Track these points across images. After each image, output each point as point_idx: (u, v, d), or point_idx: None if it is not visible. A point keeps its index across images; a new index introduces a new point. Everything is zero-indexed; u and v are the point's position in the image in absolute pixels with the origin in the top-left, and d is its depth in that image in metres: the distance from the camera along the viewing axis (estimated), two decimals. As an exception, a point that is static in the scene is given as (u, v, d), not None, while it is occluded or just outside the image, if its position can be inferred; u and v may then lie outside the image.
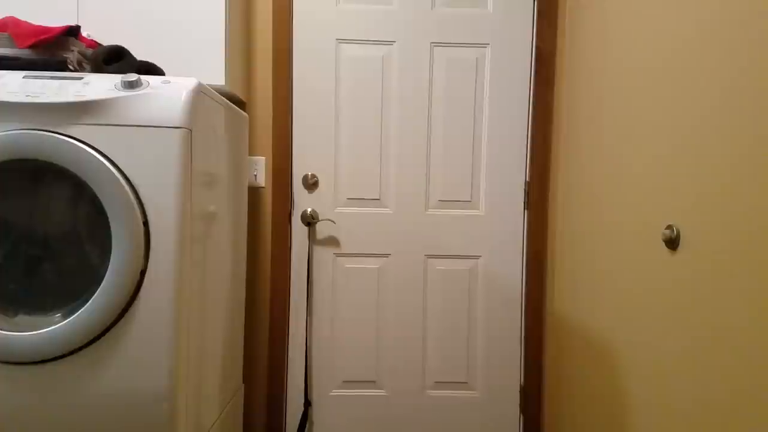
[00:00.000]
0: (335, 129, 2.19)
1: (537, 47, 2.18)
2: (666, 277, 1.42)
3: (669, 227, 1.38)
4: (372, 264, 2.23)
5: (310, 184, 2.19)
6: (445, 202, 2.23)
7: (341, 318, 2.24)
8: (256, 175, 2.16)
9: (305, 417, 2.19)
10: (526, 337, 2.25)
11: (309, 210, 2.18)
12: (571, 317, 2.06)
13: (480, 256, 2.25)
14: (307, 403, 2.20)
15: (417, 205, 2.22)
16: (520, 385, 2.27)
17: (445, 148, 2.22)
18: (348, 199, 2.21)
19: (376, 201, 2.21)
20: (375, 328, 2.24)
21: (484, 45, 2.18)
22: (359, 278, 2.24)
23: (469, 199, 2.23)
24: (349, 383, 2.24)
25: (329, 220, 2.20)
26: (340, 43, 2.16)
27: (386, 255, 2.23)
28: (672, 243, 1.38)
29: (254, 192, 2.17)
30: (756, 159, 1.11)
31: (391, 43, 2.17)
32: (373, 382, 2.25)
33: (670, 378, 1.40)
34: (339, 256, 2.22)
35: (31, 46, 1.43)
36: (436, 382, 2.26)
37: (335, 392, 2.24)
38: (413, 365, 2.25)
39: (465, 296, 2.26)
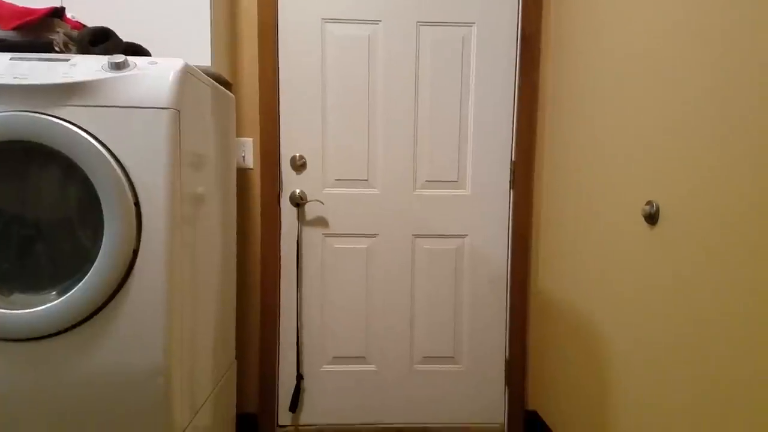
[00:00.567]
0: (322, 110, 2.20)
1: (522, 27, 2.19)
2: (646, 251, 1.46)
3: (649, 203, 1.43)
4: (360, 244, 2.27)
5: (298, 165, 2.21)
6: (432, 183, 2.26)
7: (331, 297, 2.27)
8: (244, 157, 2.17)
9: (298, 389, 2.24)
10: (511, 313, 2.30)
11: (297, 191, 2.20)
12: (554, 293, 2.11)
13: (466, 235, 2.28)
14: (300, 377, 2.25)
15: (404, 186, 2.25)
16: (506, 358, 2.32)
17: (432, 128, 2.24)
18: (336, 180, 2.23)
19: (364, 182, 2.24)
20: (364, 306, 2.29)
21: (470, 24, 2.19)
22: (348, 258, 2.27)
23: (455, 180, 2.26)
24: (339, 359, 2.29)
25: (318, 201, 2.22)
26: (325, 22, 2.16)
27: (374, 235, 2.26)
28: (651, 218, 1.43)
29: (242, 173, 2.18)
30: (733, 137, 1.15)
31: (377, 22, 2.17)
32: (363, 357, 2.30)
33: (648, 349, 1.46)
34: (328, 236, 2.25)
35: (15, 28, 1.43)
36: (424, 357, 2.31)
37: (326, 368, 2.29)
38: (402, 341, 2.30)
39: (452, 274, 2.30)
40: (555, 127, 2.12)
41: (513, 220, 2.27)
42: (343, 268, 2.27)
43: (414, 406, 2.33)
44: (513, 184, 2.25)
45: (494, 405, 2.34)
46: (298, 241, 2.24)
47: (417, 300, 2.31)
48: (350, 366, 2.30)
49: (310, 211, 2.23)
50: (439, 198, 2.26)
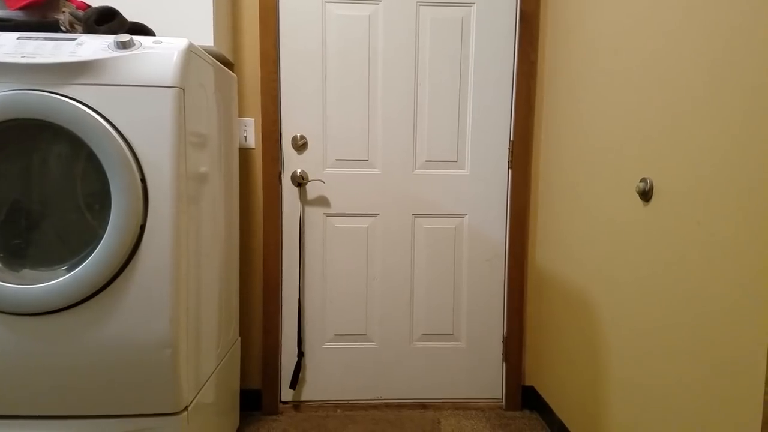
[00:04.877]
0: (323, 90, 2.21)
1: (521, 6, 2.20)
2: (640, 228, 1.49)
3: (643, 180, 1.45)
4: (361, 223, 2.30)
5: (300, 145, 2.23)
6: (431, 162, 2.28)
7: (332, 275, 2.31)
8: (246, 137, 2.19)
9: (299, 367, 2.28)
10: (509, 290, 2.33)
11: (299, 171, 2.22)
12: (551, 271, 2.14)
13: (465, 214, 2.31)
14: (300, 354, 2.30)
15: (404, 166, 2.27)
16: (503, 335, 2.37)
17: (432, 107, 2.26)
18: (337, 159, 2.25)
19: (364, 161, 2.26)
20: (365, 284, 2.32)
21: (469, 4, 2.20)
22: (349, 237, 2.30)
23: (455, 159, 2.29)
24: (340, 336, 2.33)
25: (319, 180, 2.24)
26: (326, 2, 2.17)
27: (375, 215, 2.29)
28: (645, 195, 1.45)
29: (244, 153, 2.20)
30: (725, 113, 1.18)
31: (377, 2, 2.18)
32: (364, 335, 2.34)
33: (642, 324, 1.49)
34: (329, 215, 2.28)
35: (22, 8, 1.45)
36: (423, 334, 2.36)
37: (328, 345, 2.33)
38: (401, 319, 2.35)
39: (451, 253, 2.34)
40: (553, 106, 2.14)
41: (511, 198, 2.29)
42: (344, 247, 2.30)
43: (413, 382, 2.37)
44: (511, 164, 2.27)
45: (492, 381, 2.39)
46: (300, 221, 2.26)
47: (416, 278, 2.34)
48: (351, 343, 2.34)
49: (312, 190, 2.26)
50: (439, 178, 2.29)
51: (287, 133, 2.23)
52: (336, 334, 2.33)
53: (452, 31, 2.22)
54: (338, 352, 2.34)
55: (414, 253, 2.33)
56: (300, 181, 2.23)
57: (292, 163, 2.24)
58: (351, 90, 2.23)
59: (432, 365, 2.38)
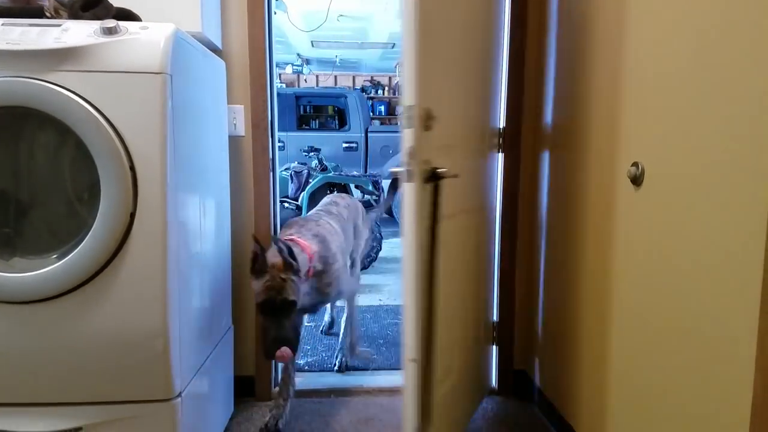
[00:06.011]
0: (448, 53, 1.62)
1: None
2: (631, 212, 1.49)
3: (634, 164, 1.45)
4: (463, 223, 1.84)
5: (428, 125, 1.46)
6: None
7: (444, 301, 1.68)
8: (235, 125, 2.17)
9: None
10: (500, 275, 2.33)
11: (430, 163, 1.47)
12: (541, 254, 2.16)
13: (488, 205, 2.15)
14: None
15: (475, 149, 1.93)
16: (494, 320, 2.37)
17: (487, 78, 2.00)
18: (444, 145, 1.61)
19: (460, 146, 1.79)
20: (463, 306, 1.90)
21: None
22: (458, 248, 1.78)
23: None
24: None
25: (453, 175, 1.56)
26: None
27: (468, 211, 1.89)
28: (636, 180, 1.45)
29: (234, 141, 2.18)
30: (718, 97, 1.18)
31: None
32: (450, 367, 1.83)
33: (629, 308, 1.51)
34: (447, 219, 1.64)
35: (5, -6, 1.43)
36: (470, 343, 2.03)
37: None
38: (462, 331, 1.95)
39: (480, 248, 2.10)
40: (542, 88, 2.14)
41: (503, 183, 2.27)
42: (452, 262, 1.74)
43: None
44: (501, 148, 2.26)
45: (484, 366, 2.38)
46: (433, 231, 1.51)
47: (470, 283, 1.99)
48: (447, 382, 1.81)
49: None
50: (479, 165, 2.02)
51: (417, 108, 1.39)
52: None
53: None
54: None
55: (474, 254, 2.00)
56: (440, 175, 1.49)
57: (420, 150, 1.42)
58: (458, 53, 1.71)
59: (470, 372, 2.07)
